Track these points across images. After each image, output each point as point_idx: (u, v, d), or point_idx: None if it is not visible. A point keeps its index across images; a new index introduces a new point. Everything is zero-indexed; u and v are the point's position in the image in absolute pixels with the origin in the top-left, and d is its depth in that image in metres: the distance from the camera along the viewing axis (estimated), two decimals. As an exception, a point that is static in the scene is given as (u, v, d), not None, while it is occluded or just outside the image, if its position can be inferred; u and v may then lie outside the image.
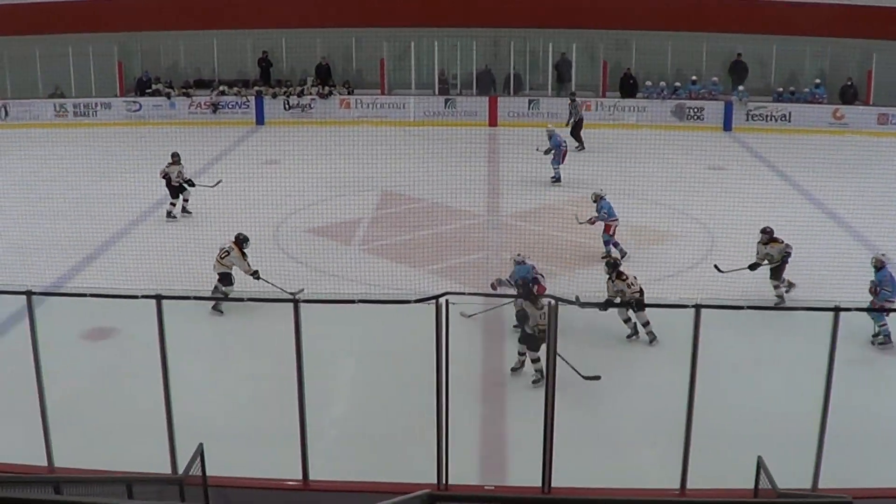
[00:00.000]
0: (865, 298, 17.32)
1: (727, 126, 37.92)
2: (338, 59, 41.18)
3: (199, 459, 10.94)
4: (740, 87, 38.77)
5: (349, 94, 39.64)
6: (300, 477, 12.09)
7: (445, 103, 37.44)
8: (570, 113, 34.69)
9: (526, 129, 33.73)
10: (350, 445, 14.11)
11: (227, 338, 18.15)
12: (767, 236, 19.89)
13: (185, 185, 25.49)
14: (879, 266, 18.12)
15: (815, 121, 38.12)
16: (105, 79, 40.84)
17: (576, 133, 34.12)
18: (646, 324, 17.50)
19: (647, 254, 22.20)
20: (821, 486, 11.50)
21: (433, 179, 24.68)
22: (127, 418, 14.19)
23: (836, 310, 10.99)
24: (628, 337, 17.63)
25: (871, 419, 14.60)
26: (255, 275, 18.87)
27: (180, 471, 11.25)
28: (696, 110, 38.26)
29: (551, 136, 29.45)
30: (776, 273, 19.81)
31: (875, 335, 17.80)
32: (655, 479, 12.48)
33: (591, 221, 22.02)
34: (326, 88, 39.58)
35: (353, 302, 11.95)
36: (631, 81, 38.84)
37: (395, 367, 16.19)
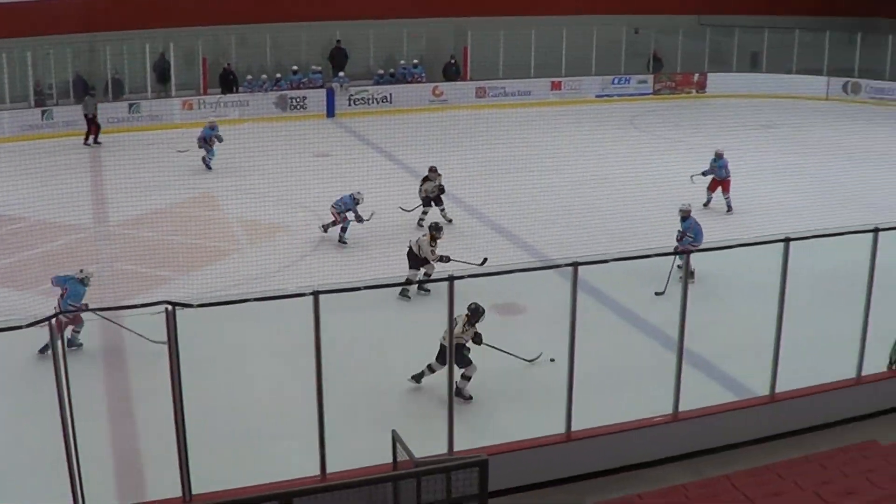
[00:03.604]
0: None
1: (330, 112, 38.47)
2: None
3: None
4: (341, 73, 39.43)
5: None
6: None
7: (42, 115, 35.69)
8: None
9: (129, 134, 33.01)
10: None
11: None
12: None
13: None
14: (685, 216, 20.55)
15: (416, 100, 39.41)
16: None
17: None
18: None
19: (263, 248, 22.21)
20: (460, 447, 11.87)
21: (34, 196, 23.75)
22: None
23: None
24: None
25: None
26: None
27: None
28: (298, 100, 38.57)
29: (213, 127, 30.35)
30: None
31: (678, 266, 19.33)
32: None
33: None
34: None
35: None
36: (231, 77, 38.53)
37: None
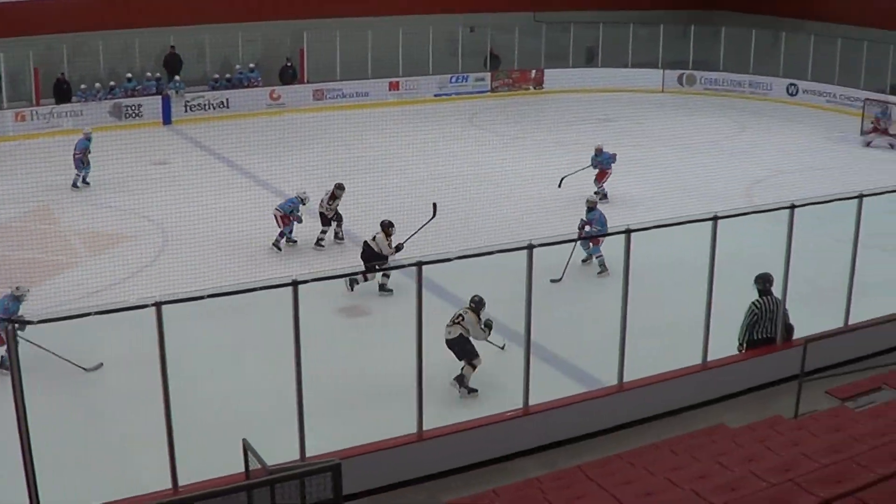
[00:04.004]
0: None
1: (167, 120, 37.77)
2: None
3: None
4: (176, 79, 38.80)
5: None
6: None
7: None
8: None
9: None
10: None
11: None
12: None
13: None
14: (592, 206, 21.67)
15: (254, 104, 39.11)
16: None
17: None
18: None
19: (103, 259, 21.75)
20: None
21: None
22: None
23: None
24: None
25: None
26: None
27: None
28: (134, 108, 37.76)
29: (89, 137, 28.82)
30: None
31: (584, 260, 21.64)
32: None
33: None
34: None
35: None
36: (65, 86, 37.49)
37: None
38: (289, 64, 41.52)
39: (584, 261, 21.55)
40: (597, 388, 14.34)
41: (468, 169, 28.69)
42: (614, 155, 27.00)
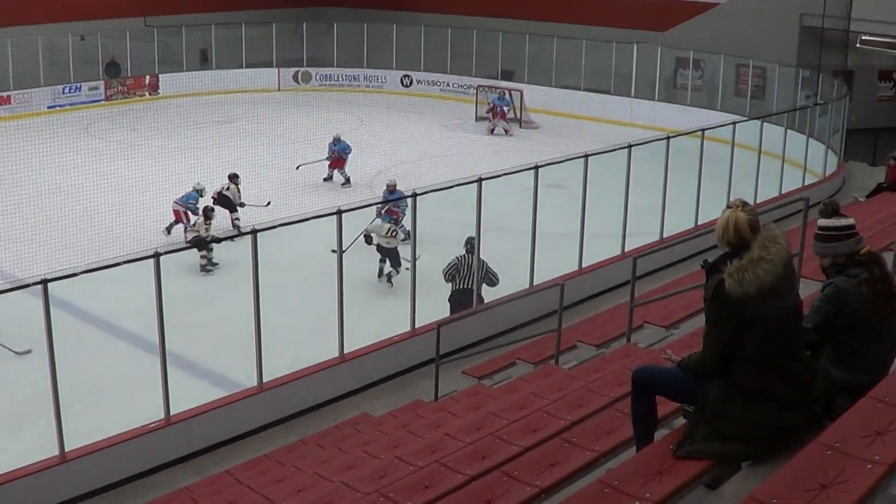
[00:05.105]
0: None
1: None
2: None
3: None
4: None
5: None
6: None
7: None
8: None
9: None
10: None
11: None
12: None
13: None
14: (393, 189, 23.38)
15: None
16: None
17: None
18: None
19: None
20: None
21: None
22: None
23: None
24: None
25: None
26: None
27: None
28: None
29: None
30: None
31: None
32: None
33: None
34: None
35: None
36: None
37: None
38: None
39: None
40: (237, 390, 14.26)
41: (87, 180, 27.80)
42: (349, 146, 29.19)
